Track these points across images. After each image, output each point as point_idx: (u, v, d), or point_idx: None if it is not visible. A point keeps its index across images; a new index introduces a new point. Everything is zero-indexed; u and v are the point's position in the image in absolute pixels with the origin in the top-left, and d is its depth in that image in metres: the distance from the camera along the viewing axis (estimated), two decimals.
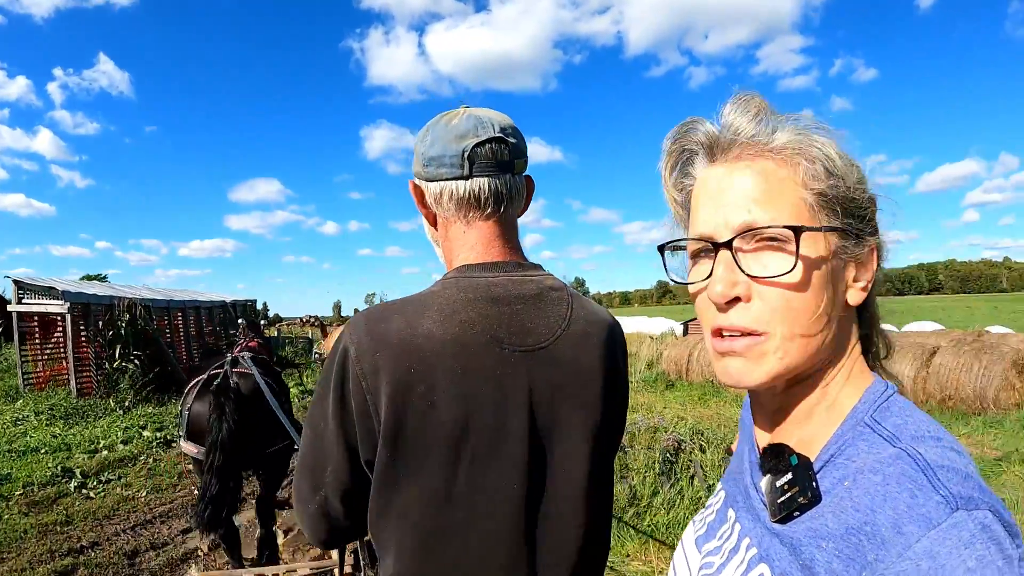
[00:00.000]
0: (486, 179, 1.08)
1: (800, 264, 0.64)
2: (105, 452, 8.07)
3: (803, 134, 0.69)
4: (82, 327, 11.70)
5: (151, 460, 7.88)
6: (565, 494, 1.04)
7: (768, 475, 0.72)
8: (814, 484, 0.65)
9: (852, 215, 0.69)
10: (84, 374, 11.62)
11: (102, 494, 6.60)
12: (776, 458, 0.71)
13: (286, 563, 4.22)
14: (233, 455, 3.73)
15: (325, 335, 6.54)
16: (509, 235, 1.13)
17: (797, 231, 0.64)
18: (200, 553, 5.15)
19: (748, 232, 0.67)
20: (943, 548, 0.51)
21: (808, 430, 0.72)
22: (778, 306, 0.66)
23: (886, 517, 0.55)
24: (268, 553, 4.31)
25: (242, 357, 4.24)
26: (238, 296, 20.29)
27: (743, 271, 0.66)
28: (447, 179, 1.09)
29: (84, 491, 6.65)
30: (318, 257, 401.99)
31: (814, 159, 0.68)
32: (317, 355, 7.31)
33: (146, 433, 9.04)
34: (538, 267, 1.13)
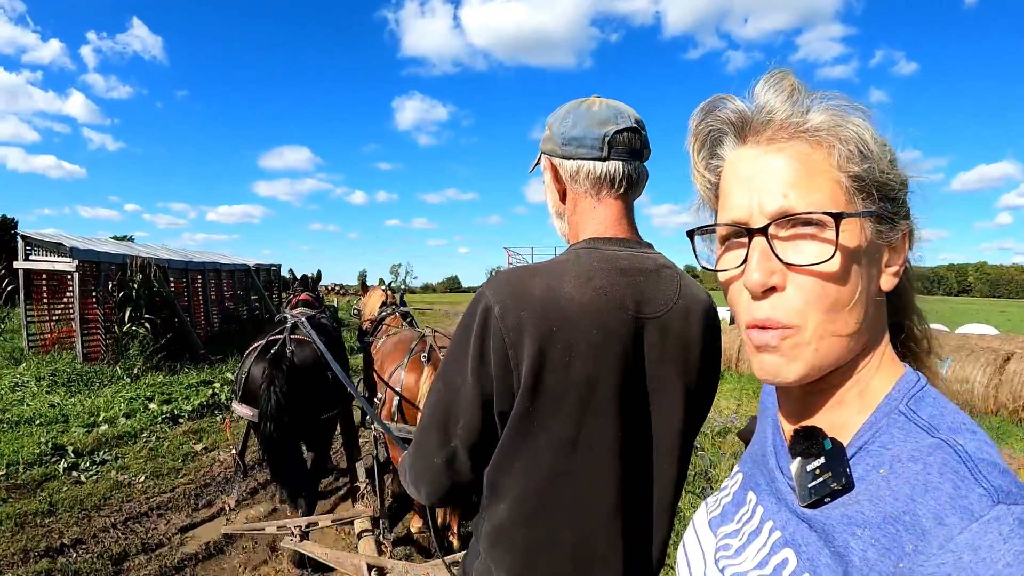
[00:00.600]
0: (621, 163, 1.19)
1: (839, 251, 0.64)
2: (105, 427, 7.26)
3: (837, 115, 0.68)
4: (92, 287, 10.92)
5: (154, 438, 7.06)
6: (664, 445, 1.15)
7: (799, 458, 0.70)
8: (847, 470, 0.65)
9: (887, 198, 0.68)
10: (92, 337, 10.84)
11: (94, 477, 5.79)
12: (808, 441, 0.70)
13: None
14: (284, 425, 3.76)
15: (365, 291, 6.64)
16: (631, 215, 1.25)
17: (837, 217, 0.64)
18: (226, 508, 4.95)
19: (784, 218, 0.66)
20: (984, 541, 0.51)
21: (839, 416, 0.70)
22: (814, 295, 0.65)
23: (927, 507, 0.55)
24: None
25: (301, 323, 4.18)
26: (262, 261, 19.52)
27: (779, 259, 0.65)
28: (586, 159, 1.20)
29: (75, 473, 5.86)
30: (345, 226, 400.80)
31: (848, 140, 0.67)
32: (356, 310, 7.71)
33: (152, 406, 8.24)
34: (651, 246, 1.24)
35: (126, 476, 5.85)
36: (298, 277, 5.64)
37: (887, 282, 0.69)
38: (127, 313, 10.83)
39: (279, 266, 20.51)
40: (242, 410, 3.96)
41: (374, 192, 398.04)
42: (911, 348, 0.78)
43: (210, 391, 9.02)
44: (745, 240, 0.68)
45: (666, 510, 1.17)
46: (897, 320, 0.76)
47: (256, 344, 4.19)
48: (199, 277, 15.09)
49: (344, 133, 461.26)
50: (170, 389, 9.31)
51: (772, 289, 0.65)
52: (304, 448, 4.35)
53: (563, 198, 1.27)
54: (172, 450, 6.66)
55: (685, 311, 1.15)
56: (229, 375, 10.35)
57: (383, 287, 6.33)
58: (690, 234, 0.77)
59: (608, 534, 1.10)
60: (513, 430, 1.07)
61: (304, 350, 4.03)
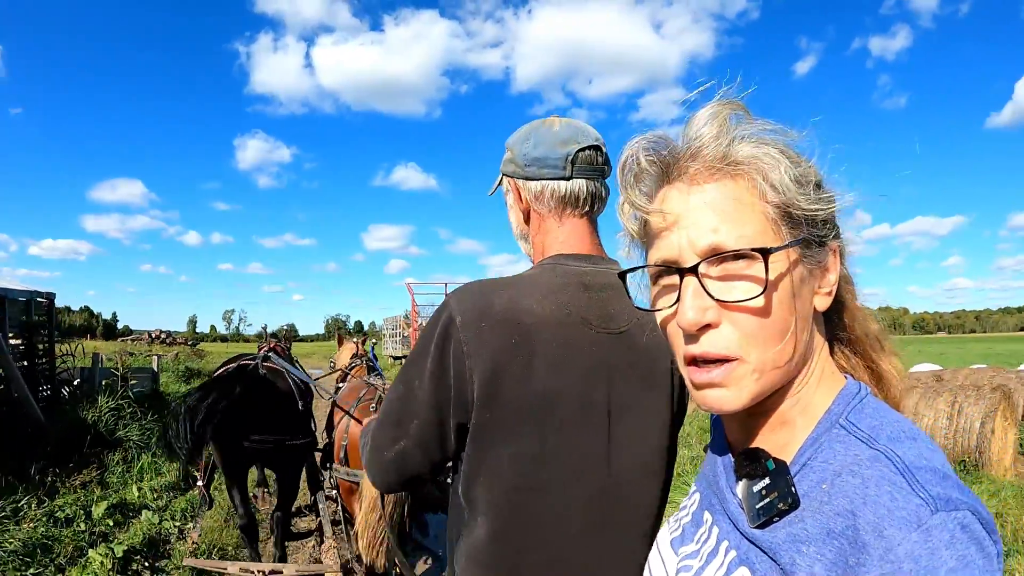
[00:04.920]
0: (584, 181, 1.21)
1: (770, 286, 0.64)
2: None
3: (758, 145, 0.67)
4: None
5: None
6: (637, 462, 1.13)
7: (744, 480, 0.70)
8: (793, 489, 0.64)
9: (813, 222, 0.67)
10: None
11: None
12: (752, 463, 0.69)
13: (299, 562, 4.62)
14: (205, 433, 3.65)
15: (340, 344, 6.63)
16: (595, 232, 1.27)
17: (765, 253, 0.63)
18: (190, 540, 4.94)
19: (715, 255, 0.65)
20: (924, 550, 0.51)
21: (782, 434, 0.70)
22: (749, 330, 0.65)
23: (866, 521, 0.55)
24: (280, 546, 4.40)
25: (271, 356, 4.37)
26: (8, 283, 11.21)
27: (712, 296, 0.65)
28: (549, 179, 1.21)
29: None
30: (176, 269, 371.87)
31: (768, 171, 0.66)
32: (331, 363, 7.20)
33: None
34: (616, 262, 1.22)
35: None
36: (269, 332, 6.07)
37: (822, 302, 0.69)
38: None
39: (53, 296, 12.22)
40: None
41: (209, 233, 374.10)
42: (857, 355, 0.78)
43: None
44: (677, 279, 0.68)
45: (647, 535, 1.12)
46: (839, 331, 0.76)
47: (228, 366, 4.38)
48: None
49: (182, 169, 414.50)
50: None
51: (708, 326, 0.66)
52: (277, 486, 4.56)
53: (527, 219, 1.27)
54: None
55: (651, 325, 0.98)
56: None
57: (354, 339, 6.27)
58: (621, 275, 0.78)
59: (583, 554, 1.09)
60: (474, 441, 1.08)
61: (274, 374, 4.14)
